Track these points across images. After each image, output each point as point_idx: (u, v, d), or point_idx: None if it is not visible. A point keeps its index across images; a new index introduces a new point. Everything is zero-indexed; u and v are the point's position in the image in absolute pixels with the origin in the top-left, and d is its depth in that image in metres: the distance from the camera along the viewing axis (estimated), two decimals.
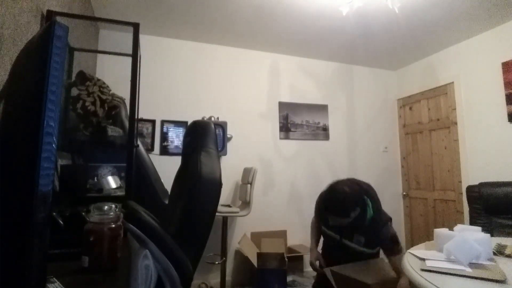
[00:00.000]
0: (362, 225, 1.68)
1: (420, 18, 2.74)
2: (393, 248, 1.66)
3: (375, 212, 1.68)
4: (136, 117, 1.63)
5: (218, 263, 2.79)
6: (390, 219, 1.77)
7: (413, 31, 3.00)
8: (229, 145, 3.26)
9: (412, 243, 3.71)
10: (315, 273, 2.03)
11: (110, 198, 1.57)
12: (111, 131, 1.69)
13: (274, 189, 3.40)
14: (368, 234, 1.70)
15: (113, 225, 0.93)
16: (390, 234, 1.66)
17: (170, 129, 3.11)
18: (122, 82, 1.93)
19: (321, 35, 3.12)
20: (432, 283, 1.16)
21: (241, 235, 3.04)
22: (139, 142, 1.95)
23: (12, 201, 0.56)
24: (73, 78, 1.82)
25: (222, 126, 3.17)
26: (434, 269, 1.30)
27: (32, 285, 0.56)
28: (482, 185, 2.50)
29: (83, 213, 1.15)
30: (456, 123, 3.28)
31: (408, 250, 1.63)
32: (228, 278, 3.04)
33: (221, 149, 3.13)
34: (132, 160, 1.57)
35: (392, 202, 3.90)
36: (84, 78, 1.74)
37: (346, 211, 1.61)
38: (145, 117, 2.99)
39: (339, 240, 1.80)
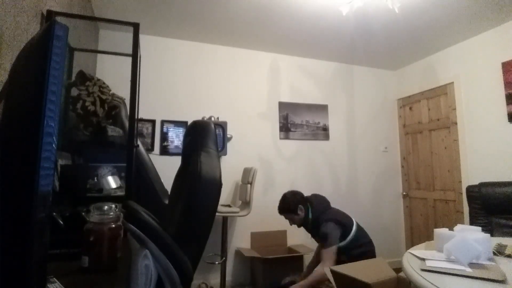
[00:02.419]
0: (309, 224, 2.32)
1: (420, 18, 2.74)
2: (322, 242, 2.21)
3: (313, 215, 2.30)
4: (136, 117, 1.62)
5: (218, 263, 2.79)
6: (332, 219, 2.23)
7: (413, 31, 3.00)
8: (229, 145, 3.26)
9: (412, 243, 3.71)
10: None
11: (110, 198, 1.57)
12: (111, 131, 1.69)
13: (274, 189, 3.40)
14: (317, 231, 2.27)
15: (113, 225, 0.93)
16: (322, 232, 2.19)
17: (170, 129, 3.11)
18: (122, 82, 1.93)
19: (321, 35, 3.12)
20: (432, 283, 1.16)
21: (241, 235, 3.03)
22: (139, 142, 1.95)
23: (12, 201, 0.56)
24: (73, 78, 1.82)
25: (222, 126, 3.16)
26: (434, 269, 1.30)
27: (32, 285, 0.56)
28: (482, 185, 2.50)
29: (83, 213, 1.15)
30: (456, 123, 3.28)
31: (408, 250, 1.64)
32: (228, 278, 3.04)
33: (221, 149, 3.13)
34: (132, 160, 1.57)
35: (392, 202, 3.90)
36: (84, 78, 1.74)
37: (284, 207, 2.35)
38: (145, 117, 2.99)
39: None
